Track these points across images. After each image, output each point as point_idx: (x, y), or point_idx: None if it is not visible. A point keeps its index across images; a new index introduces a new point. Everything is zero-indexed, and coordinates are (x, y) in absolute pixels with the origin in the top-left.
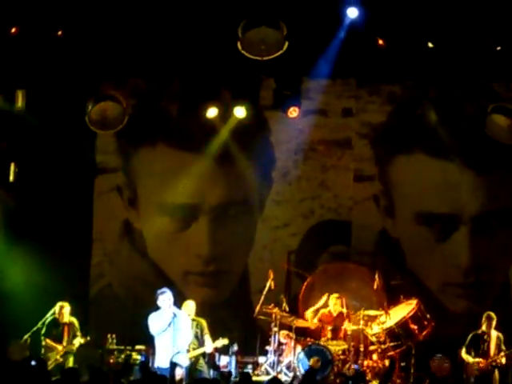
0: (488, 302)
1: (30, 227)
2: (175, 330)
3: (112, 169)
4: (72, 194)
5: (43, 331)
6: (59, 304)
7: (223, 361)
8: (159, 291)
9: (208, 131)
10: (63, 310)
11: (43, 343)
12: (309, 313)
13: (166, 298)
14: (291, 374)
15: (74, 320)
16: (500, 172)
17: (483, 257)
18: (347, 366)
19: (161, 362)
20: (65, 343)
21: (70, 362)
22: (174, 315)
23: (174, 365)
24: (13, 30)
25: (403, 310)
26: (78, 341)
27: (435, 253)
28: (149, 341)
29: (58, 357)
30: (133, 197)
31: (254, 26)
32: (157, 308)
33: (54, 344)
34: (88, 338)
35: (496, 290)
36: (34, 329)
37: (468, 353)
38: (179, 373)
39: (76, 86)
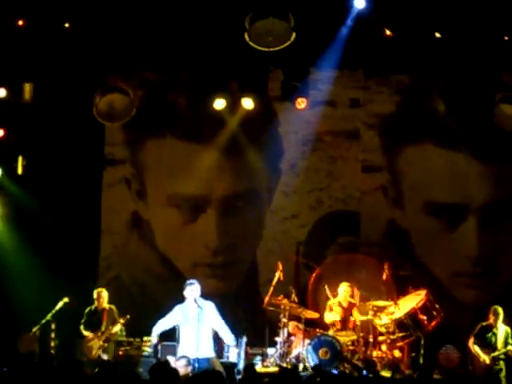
0: (497, 291)
1: (39, 220)
2: (199, 322)
3: (120, 161)
4: (80, 187)
5: (83, 320)
6: (96, 291)
7: (232, 352)
8: (188, 282)
9: (216, 123)
10: (102, 294)
11: (82, 332)
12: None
13: (193, 289)
14: (300, 365)
15: (113, 306)
16: (508, 162)
17: (492, 247)
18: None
19: (183, 352)
20: (103, 328)
21: (111, 350)
22: (199, 307)
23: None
24: (20, 22)
25: (412, 301)
26: (120, 324)
27: (444, 243)
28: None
29: (100, 342)
30: (141, 188)
31: (262, 17)
32: (183, 299)
33: (91, 334)
34: (128, 317)
35: (505, 279)
36: (43, 321)
37: (476, 343)
38: (182, 364)
39: (84, 78)
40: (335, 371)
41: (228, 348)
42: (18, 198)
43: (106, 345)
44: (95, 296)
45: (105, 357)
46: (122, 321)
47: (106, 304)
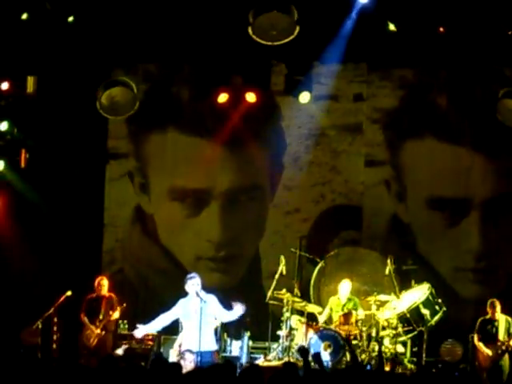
0: (499, 286)
1: (42, 213)
2: (202, 315)
3: (123, 154)
4: (83, 180)
5: (82, 308)
6: (97, 279)
7: (235, 346)
8: (188, 276)
9: (219, 116)
10: (102, 282)
11: (82, 320)
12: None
13: (194, 282)
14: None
15: (113, 294)
16: (511, 156)
17: (494, 241)
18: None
19: (188, 346)
20: (101, 316)
21: (109, 341)
22: (202, 301)
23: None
24: (24, 16)
25: (415, 295)
26: (117, 312)
27: (446, 238)
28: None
29: (98, 331)
30: (144, 182)
31: (265, 11)
32: (186, 293)
33: (89, 324)
34: (124, 305)
35: (507, 274)
36: (46, 315)
37: (479, 339)
38: (190, 359)
39: (87, 71)
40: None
41: (231, 342)
42: (20, 192)
43: (103, 333)
44: (96, 284)
45: (120, 352)
46: (119, 308)
47: (105, 292)
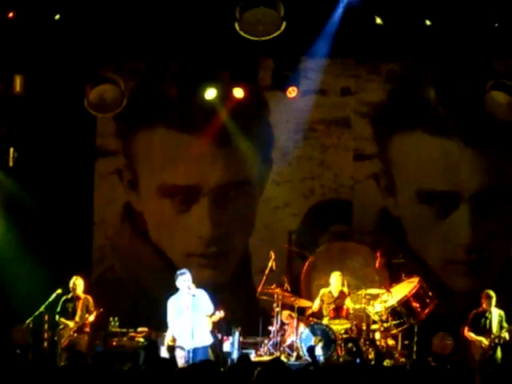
0: (490, 279)
1: (30, 212)
2: (193, 311)
3: (112, 152)
4: (72, 178)
5: (58, 309)
6: (72, 279)
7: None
8: (179, 272)
9: (207, 112)
10: (76, 282)
11: (58, 321)
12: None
13: (186, 279)
14: (294, 354)
15: (89, 297)
16: (499, 149)
17: (484, 234)
18: None
19: (182, 342)
20: (77, 318)
21: (84, 341)
22: (193, 296)
23: (172, 348)
24: (10, 14)
25: (405, 289)
26: (92, 315)
27: (436, 231)
28: (150, 323)
29: (70, 333)
30: (133, 179)
31: (252, 6)
32: (176, 289)
33: (66, 321)
34: (101, 310)
35: (498, 266)
36: (37, 313)
37: (471, 331)
38: (180, 355)
39: (74, 69)
40: None
41: (222, 337)
42: (9, 190)
43: (75, 335)
44: (71, 285)
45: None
46: (95, 312)
47: (81, 292)
